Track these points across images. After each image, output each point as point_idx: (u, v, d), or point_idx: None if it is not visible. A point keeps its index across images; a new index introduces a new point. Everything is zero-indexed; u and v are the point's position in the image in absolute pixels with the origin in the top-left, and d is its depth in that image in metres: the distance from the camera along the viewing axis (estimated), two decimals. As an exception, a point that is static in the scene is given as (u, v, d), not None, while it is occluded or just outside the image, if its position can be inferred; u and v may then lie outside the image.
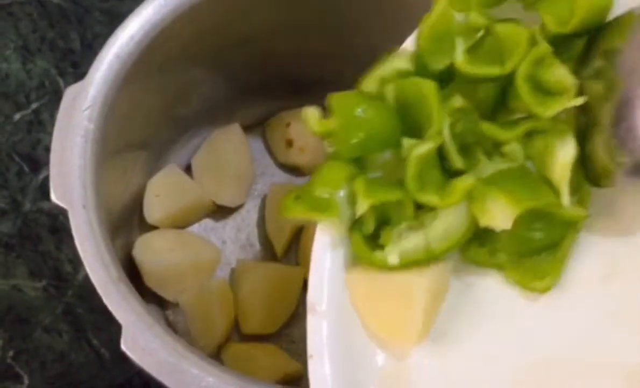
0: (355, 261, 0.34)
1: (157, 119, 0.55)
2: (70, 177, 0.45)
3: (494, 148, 0.34)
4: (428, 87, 0.33)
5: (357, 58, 0.57)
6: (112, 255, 0.44)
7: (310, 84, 0.59)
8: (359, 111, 0.34)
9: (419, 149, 0.32)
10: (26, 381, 0.56)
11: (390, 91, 0.35)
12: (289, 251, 0.59)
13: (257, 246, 0.60)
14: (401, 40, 0.53)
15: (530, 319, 0.35)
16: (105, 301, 0.42)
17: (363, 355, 0.34)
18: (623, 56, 0.32)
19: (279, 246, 0.58)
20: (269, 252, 0.59)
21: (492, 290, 0.36)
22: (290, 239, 0.59)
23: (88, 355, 0.57)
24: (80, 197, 0.44)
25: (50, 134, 0.61)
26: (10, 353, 0.57)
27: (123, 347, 0.41)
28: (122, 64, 0.47)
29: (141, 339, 0.42)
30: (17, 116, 0.63)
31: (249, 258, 0.59)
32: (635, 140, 0.32)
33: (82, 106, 0.46)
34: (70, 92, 0.47)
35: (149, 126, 0.55)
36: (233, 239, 0.60)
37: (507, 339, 0.35)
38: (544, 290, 0.35)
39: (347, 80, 0.59)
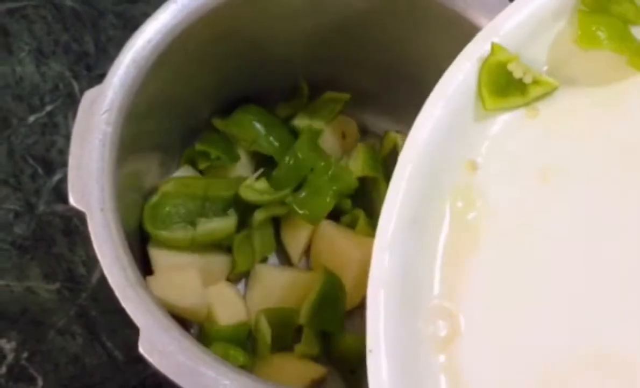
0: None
1: (173, 122, 0.56)
2: (89, 180, 0.45)
3: None
4: None
5: (371, 65, 0.59)
6: (130, 257, 0.44)
7: (325, 88, 0.60)
8: None
9: None
10: (40, 383, 0.57)
11: None
12: (303, 258, 0.59)
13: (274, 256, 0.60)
14: (417, 53, 0.54)
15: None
16: (123, 304, 0.43)
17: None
18: None
19: (295, 254, 0.58)
20: (283, 258, 0.60)
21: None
22: (305, 247, 0.59)
23: (101, 357, 0.58)
24: (98, 200, 0.44)
25: (64, 136, 0.62)
26: (25, 355, 0.57)
27: (141, 350, 0.42)
28: (139, 68, 0.47)
29: (159, 342, 0.42)
30: (31, 119, 0.64)
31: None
32: None
33: (100, 110, 0.46)
34: (88, 97, 0.47)
35: (165, 128, 0.55)
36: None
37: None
38: None
39: (360, 86, 0.60)
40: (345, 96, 0.60)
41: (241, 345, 0.55)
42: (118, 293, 0.43)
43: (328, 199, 0.56)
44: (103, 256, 0.43)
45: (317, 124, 0.60)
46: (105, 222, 0.44)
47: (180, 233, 0.54)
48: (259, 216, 0.56)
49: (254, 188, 0.56)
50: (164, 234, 0.54)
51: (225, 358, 0.51)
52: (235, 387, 0.42)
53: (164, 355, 0.42)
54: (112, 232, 0.44)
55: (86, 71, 0.65)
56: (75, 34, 0.66)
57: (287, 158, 0.57)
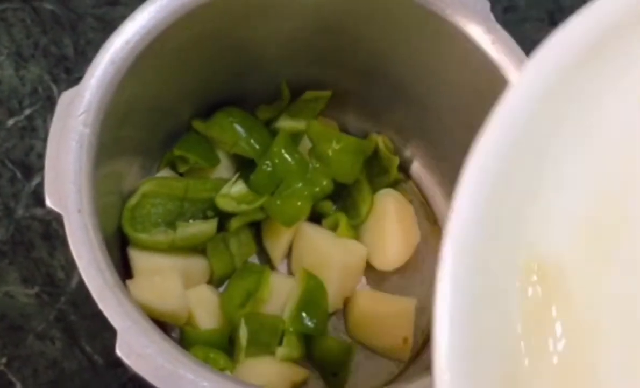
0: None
1: (153, 124, 0.55)
2: (65, 182, 0.44)
3: None
4: None
5: (351, 66, 0.59)
6: (108, 260, 0.44)
7: (306, 89, 0.60)
8: None
9: None
10: (19, 388, 0.56)
11: None
12: (284, 260, 0.59)
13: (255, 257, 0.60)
14: (397, 54, 0.54)
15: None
16: (101, 306, 0.42)
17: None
18: None
19: (276, 257, 0.58)
20: (264, 261, 0.59)
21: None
22: (286, 249, 0.59)
23: (81, 362, 0.57)
24: (75, 202, 0.44)
25: (43, 140, 0.62)
26: (3, 360, 0.57)
27: (118, 352, 0.41)
28: (117, 69, 0.47)
29: (136, 345, 0.42)
30: (10, 122, 0.63)
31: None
32: None
33: (77, 111, 0.46)
34: (65, 98, 0.47)
35: (145, 130, 0.55)
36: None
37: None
38: None
39: (341, 86, 0.60)
40: (327, 93, 0.60)
41: (222, 348, 0.54)
42: (95, 295, 0.42)
43: (300, 204, 0.56)
44: (80, 258, 0.43)
45: (300, 124, 0.60)
46: (82, 224, 0.44)
47: (160, 236, 0.54)
48: (235, 223, 0.56)
49: (231, 196, 0.56)
50: (143, 237, 0.54)
51: (206, 361, 0.50)
52: (214, 389, 0.41)
53: (142, 357, 0.41)
54: (90, 234, 0.44)
55: (65, 75, 0.65)
56: (55, 37, 0.66)
57: (264, 165, 0.56)
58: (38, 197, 0.61)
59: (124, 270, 0.54)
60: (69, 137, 0.45)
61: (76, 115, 0.46)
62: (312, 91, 0.60)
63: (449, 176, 0.59)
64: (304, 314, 0.55)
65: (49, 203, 0.44)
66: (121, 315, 0.42)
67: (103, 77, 0.47)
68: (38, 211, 0.61)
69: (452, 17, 0.50)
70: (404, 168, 0.63)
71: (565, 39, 0.30)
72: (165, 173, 0.58)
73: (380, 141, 0.60)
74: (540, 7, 0.69)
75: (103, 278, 0.43)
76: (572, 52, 0.30)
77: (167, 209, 0.54)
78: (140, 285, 0.52)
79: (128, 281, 0.51)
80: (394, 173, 0.60)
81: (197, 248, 0.56)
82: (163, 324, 0.52)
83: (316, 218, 0.59)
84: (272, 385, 0.53)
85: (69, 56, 0.65)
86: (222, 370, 0.52)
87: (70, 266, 0.59)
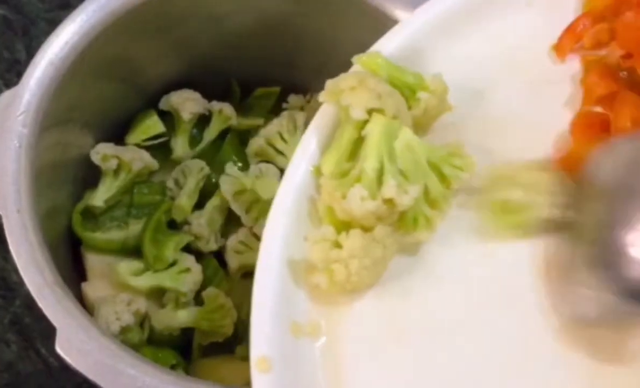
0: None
1: (98, 123, 0.55)
2: (4, 182, 0.45)
3: None
4: None
5: (301, 63, 0.59)
6: (48, 258, 0.44)
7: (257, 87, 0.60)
8: None
9: None
10: (-27, 392, 0.56)
11: None
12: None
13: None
14: (343, 49, 0.54)
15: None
16: (40, 304, 0.42)
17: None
18: None
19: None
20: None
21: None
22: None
23: (36, 364, 0.57)
24: (15, 201, 0.44)
25: (-4, 144, 0.62)
26: (-43, 365, 0.57)
27: (58, 349, 0.41)
28: (56, 69, 0.47)
29: (76, 341, 0.42)
30: (-38, 128, 0.63)
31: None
32: None
33: (16, 112, 0.46)
34: (4, 98, 0.47)
35: (89, 129, 0.55)
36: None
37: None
38: None
39: (292, 82, 0.60)
40: (276, 89, 0.61)
41: (175, 347, 0.54)
42: (34, 293, 0.43)
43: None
44: (19, 256, 0.43)
45: (254, 121, 0.60)
46: (21, 223, 0.44)
47: (112, 234, 0.54)
48: None
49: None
50: (95, 236, 0.54)
51: (155, 360, 0.51)
52: (155, 384, 0.41)
53: (82, 353, 0.42)
54: (29, 233, 0.44)
55: (17, 78, 0.64)
56: (7, 41, 0.66)
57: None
58: (-9, 201, 0.61)
59: (80, 272, 0.54)
60: (7, 138, 0.45)
61: (15, 116, 0.46)
62: (262, 87, 0.61)
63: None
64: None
65: (-13, 202, 0.44)
66: (61, 313, 0.42)
67: (42, 78, 0.47)
68: (-10, 215, 0.61)
69: (393, 11, 0.50)
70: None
71: None
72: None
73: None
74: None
75: (42, 277, 0.43)
76: None
77: (113, 215, 0.54)
78: (95, 286, 0.52)
79: (84, 285, 0.52)
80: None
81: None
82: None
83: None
84: (229, 382, 0.53)
85: (21, 60, 0.65)
86: (173, 367, 0.52)
87: (24, 269, 0.59)
